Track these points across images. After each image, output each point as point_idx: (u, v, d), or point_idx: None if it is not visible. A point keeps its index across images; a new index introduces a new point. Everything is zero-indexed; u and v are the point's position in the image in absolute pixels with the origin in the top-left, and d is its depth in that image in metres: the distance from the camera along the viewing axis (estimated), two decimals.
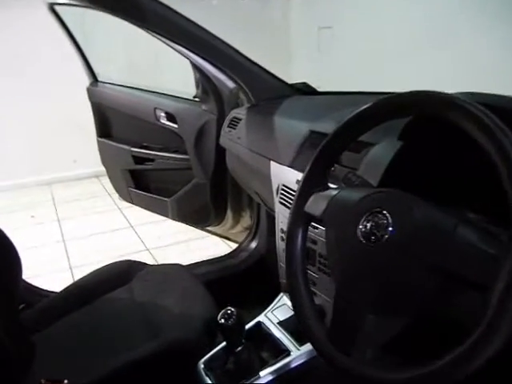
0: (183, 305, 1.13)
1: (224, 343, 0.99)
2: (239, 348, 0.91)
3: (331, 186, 0.72)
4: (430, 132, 0.74)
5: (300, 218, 0.72)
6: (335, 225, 0.64)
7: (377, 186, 0.77)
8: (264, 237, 1.74)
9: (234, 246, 1.95)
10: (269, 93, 1.51)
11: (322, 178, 0.72)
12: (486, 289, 0.45)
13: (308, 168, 0.72)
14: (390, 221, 0.55)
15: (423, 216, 0.53)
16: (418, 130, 0.75)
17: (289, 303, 1.09)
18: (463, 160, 0.67)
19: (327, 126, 1.00)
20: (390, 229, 0.55)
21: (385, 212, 0.56)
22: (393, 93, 0.65)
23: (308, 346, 0.94)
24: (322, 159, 0.71)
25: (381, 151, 0.82)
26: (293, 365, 0.92)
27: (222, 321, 0.89)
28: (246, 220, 1.94)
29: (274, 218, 1.56)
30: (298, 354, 0.93)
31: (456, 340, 0.47)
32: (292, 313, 1.06)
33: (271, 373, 0.90)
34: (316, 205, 0.69)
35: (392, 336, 0.54)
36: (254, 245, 1.78)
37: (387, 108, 0.61)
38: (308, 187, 0.72)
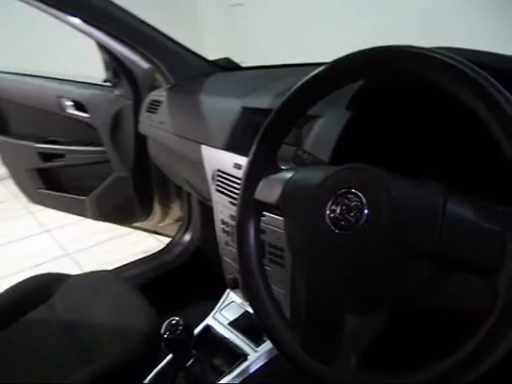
0: (117, 318, 0.98)
1: (170, 356, 0.88)
2: (190, 361, 0.80)
3: (282, 167, 0.62)
4: (384, 99, 0.67)
5: (250, 208, 0.61)
6: (296, 212, 0.54)
7: (328, 163, 0.69)
8: (198, 228, 1.62)
9: (166, 239, 1.81)
10: (189, 71, 1.38)
11: (270, 158, 0.62)
12: (494, 272, 0.38)
13: (254, 148, 0.62)
14: (364, 201, 0.47)
15: (403, 193, 0.45)
16: (369, 97, 0.67)
17: (237, 300, 0.99)
18: (424, 127, 0.60)
19: (262, 101, 0.90)
20: (366, 211, 0.46)
21: (356, 192, 0.48)
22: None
23: (266, 346, 0.85)
24: (270, 136, 0.61)
25: (328, 124, 0.74)
26: (252, 369, 0.82)
27: (167, 334, 0.77)
28: (176, 211, 1.81)
29: (207, 208, 1.45)
30: (257, 356, 0.84)
31: (458, 335, 0.40)
32: (243, 310, 0.97)
33: (229, 382, 0.81)
34: (269, 190, 0.59)
35: (378, 336, 0.47)
36: (187, 237, 1.66)
37: (352, 66, 0.51)
38: (256, 171, 0.62)
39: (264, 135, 0.61)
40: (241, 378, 0.81)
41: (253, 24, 3.28)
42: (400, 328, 0.46)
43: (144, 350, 0.91)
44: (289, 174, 0.58)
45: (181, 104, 1.21)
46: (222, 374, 0.82)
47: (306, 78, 0.55)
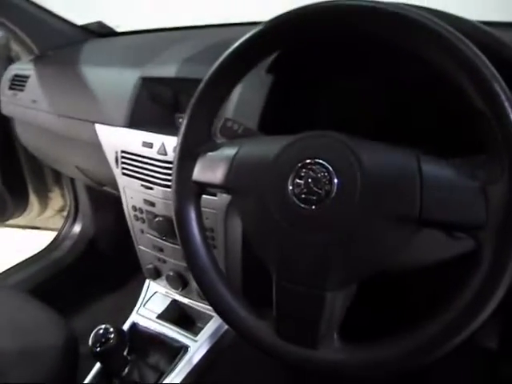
0: (21, 336, 0.83)
1: (98, 365, 0.78)
2: (126, 369, 0.71)
3: (218, 142, 0.56)
4: (306, 61, 0.63)
5: (189, 191, 0.54)
6: (252, 192, 0.49)
7: (258, 131, 0.65)
8: (89, 217, 1.46)
9: (48, 235, 1.60)
10: (56, 39, 1.19)
11: (206, 134, 0.55)
12: (478, 228, 0.38)
13: (185, 123, 0.54)
14: (332, 170, 0.43)
15: (373, 157, 0.43)
16: (294, 58, 0.63)
17: (161, 290, 0.91)
18: (373, 87, 0.58)
19: (166, 69, 0.80)
20: (336, 181, 0.43)
21: (320, 161, 0.44)
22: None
23: (205, 332, 0.80)
24: (203, 109, 0.53)
25: (248, 90, 0.69)
26: (196, 360, 0.76)
27: (99, 347, 0.67)
28: (57, 201, 1.62)
29: (98, 193, 1.31)
30: (198, 345, 0.78)
31: (444, 297, 0.40)
32: (170, 300, 0.89)
33: (173, 379, 0.74)
34: (211, 170, 0.52)
35: (357, 309, 0.45)
36: (77, 229, 1.48)
37: (302, 23, 0.45)
38: (190, 149, 0.54)
39: (196, 108, 0.53)
40: (185, 373, 0.75)
41: None
42: (381, 296, 0.45)
43: (63, 367, 0.79)
44: (232, 150, 0.52)
45: (57, 78, 1.04)
46: (163, 374, 0.75)
47: (246, 37, 0.48)
